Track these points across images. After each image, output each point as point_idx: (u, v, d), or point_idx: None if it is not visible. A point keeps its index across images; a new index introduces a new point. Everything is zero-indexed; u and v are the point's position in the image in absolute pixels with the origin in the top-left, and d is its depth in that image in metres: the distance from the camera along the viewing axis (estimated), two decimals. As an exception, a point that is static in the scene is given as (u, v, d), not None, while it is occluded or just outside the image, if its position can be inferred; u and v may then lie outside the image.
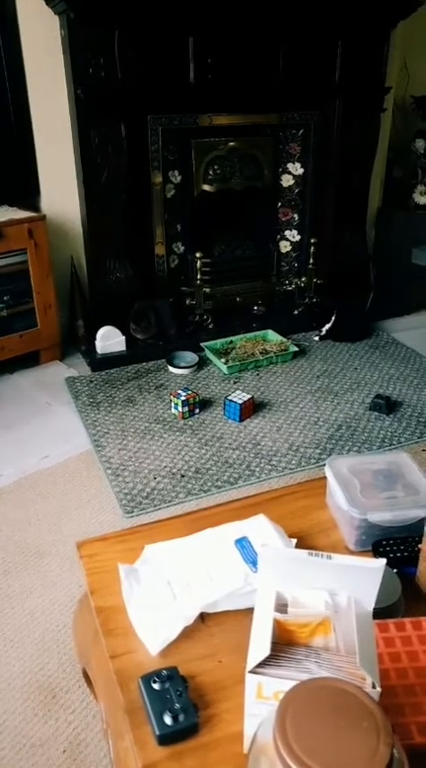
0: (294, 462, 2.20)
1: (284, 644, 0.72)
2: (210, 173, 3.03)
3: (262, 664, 0.69)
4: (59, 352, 2.99)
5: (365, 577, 0.73)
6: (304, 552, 0.73)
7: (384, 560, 0.71)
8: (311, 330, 3.20)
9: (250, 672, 0.70)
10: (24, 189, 2.88)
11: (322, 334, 3.13)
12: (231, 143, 3.00)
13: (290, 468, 2.17)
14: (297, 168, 3.22)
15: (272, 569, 0.76)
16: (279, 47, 2.82)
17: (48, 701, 1.37)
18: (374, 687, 0.66)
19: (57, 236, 2.92)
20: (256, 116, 2.98)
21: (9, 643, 1.51)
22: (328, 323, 3.12)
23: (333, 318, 3.11)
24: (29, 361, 2.90)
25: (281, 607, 0.76)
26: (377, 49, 3.05)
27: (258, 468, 2.16)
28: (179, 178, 2.99)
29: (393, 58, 3.27)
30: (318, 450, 2.26)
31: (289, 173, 3.23)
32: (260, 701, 0.71)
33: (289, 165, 3.22)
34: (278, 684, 0.69)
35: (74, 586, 1.65)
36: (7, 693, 1.39)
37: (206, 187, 3.04)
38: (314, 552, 0.73)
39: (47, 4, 2.55)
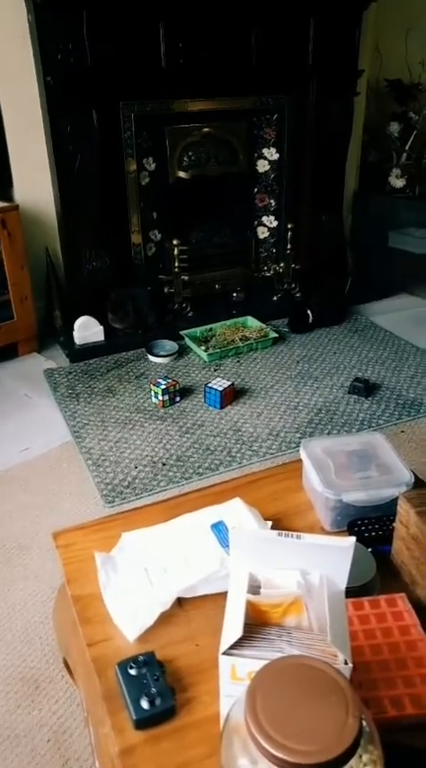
0: (274, 447, 2.20)
1: (257, 624, 0.73)
2: (185, 159, 3.00)
3: (236, 645, 0.69)
4: (37, 343, 2.96)
5: (335, 556, 0.73)
6: (273, 533, 0.73)
7: (353, 538, 0.72)
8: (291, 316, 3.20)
9: (223, 654, 0.70)
10: (-4, 179, 2.85)
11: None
12: (205, 129, 2.97)
13: (271, 453, 2.17)
14: (272, 153, 3.20)
15: (244, 551, 0.76)
16: (250, 29, 2.78)
17: (32, 692, 1.37)
18: (346, 663, 0.66)
19: (32, 227, 2.88)
20: (230, 100, 2.95)
21: (-9, 636, 1.51)
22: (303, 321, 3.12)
23: (310, 315, 3.09)
24: (6, 353, 2.87)
25: (254, 588, 0.76)
26: (349, 31, 3.03)
27: (239, 454, 2.17)
28: (153, 165, 2.96)
29: (365, 41, 3.26)
30: (298, 435, 2.27)
31: (265, 158, 3.22)
32: (234, 682, 0.71)
33: (265, 151, 3.20)
34: (251, 665, 0.69)
35: (56, 578, 1.63)
36: (-10, 686, 1.39)
37: (181, 174, 3.01)
38: (283, 532, 0.73)
39: (13, -12, 2.50)
